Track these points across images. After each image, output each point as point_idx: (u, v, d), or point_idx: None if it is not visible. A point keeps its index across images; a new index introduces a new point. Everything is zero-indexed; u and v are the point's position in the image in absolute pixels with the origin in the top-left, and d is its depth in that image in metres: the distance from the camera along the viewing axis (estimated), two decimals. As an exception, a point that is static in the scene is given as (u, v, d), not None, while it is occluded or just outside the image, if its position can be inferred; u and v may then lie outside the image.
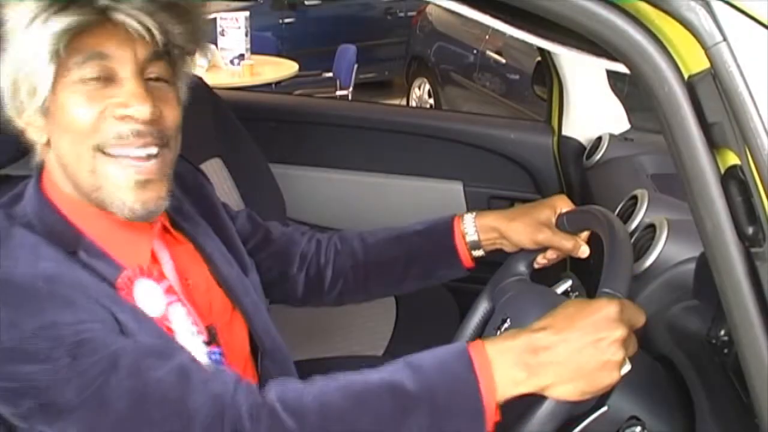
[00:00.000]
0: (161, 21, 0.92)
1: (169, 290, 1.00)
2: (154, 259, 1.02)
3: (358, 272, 1.28)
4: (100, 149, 0.92)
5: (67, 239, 0.94)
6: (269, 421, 0.83)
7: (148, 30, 0.90)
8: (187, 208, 1.12)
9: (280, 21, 7.14)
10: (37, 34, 0.89)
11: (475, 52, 5.37)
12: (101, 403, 0.83)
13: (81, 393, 0.83)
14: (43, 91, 0.91)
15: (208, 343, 1.02)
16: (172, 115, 0.96)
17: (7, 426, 0.94)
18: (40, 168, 1.00)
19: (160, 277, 1.00)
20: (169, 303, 0.99)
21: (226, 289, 1.11)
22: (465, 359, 0.84)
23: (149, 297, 0.97)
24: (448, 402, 0.82)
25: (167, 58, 0.97)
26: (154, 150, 0.94)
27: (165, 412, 0.83)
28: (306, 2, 7.24)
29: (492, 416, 0.83)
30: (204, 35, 1.04)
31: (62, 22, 0.88)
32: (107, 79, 0.92)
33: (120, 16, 0.89)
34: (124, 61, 0.92)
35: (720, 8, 0.70)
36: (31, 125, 0.96)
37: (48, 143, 0.96)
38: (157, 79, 0.96)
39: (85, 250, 0.94)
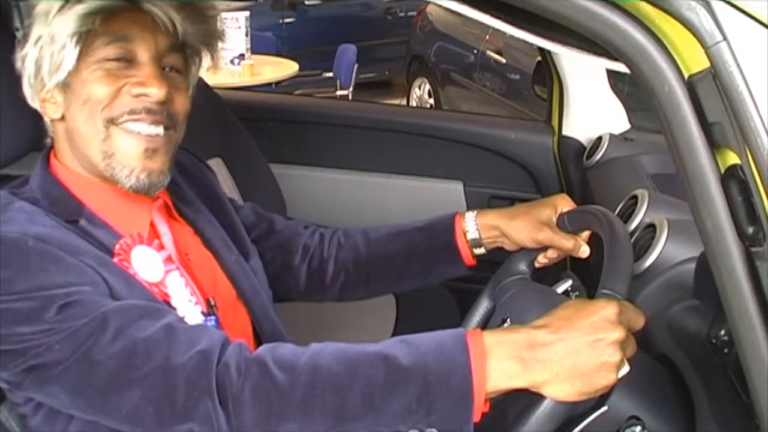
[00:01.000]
0: (181, 17, 0.98)
1: (168, 260, 1.04)
2: (154, 231, 1.06)
3: (359, 266, 1.30)
4: (114, 122, 0.98)
5: (69, 209, 0.99)
6: (259, 374, 0.84)
7: (171, 21, 0.97)
8: (190, 196, 1.15)
9: (280, 21, 7.14)
10: (66, 15, 0.94)
11: (475, 51, 5.37)
12: (90, 364, 0.85)
13: (71, 353, 0.85)
14: (67, 66, 0.96)
15: (206, 315, 1.04)
16: (181, 102, 1.03)
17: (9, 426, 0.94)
18: (49, 148, 1.05)
19: (160, 247, 1.04)
20: (168, 271, 1.02)
21: (224, 270, 1.14)
22: (461, 343, 0.85)
23: (147, 262, 1.00)
24: (439, 381, 0.83)
25: (182, 52, 1.03)
26: (161, 130, 1.00)
27: (149, 369, 0.85)
28: (306, 2, 7.24)
29: (480, 404, 0.83)
30: (215, 38, 1.08)
31: (92, 4, 0.93)
32: (128, 60, 0.98)
33: (148, 5, 0.96)
34: (145, 46, 0.98)
35: (720, 8, 0.70)
36: (48, 101, 1.01)
37: (62, 118, 1.01)
38: (171, 69, 1.02)
39: (86, 219, 0.98)
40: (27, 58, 0.99)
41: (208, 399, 0.83)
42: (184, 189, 1.16)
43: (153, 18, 0.96)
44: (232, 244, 1.18)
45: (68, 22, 0.94)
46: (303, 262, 1.31)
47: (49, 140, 1.05)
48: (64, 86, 0.98)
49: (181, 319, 0.93)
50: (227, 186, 1.90)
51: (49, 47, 0.96)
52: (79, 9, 0.94)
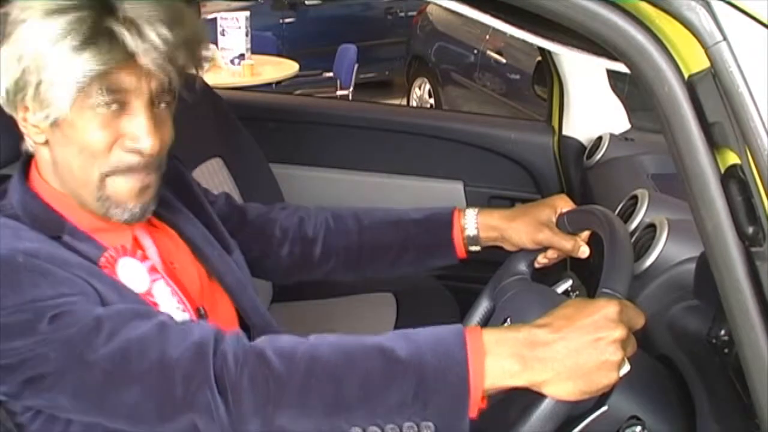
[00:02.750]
0: (175, 57, 0.94)
1: (153, 269, 1.03)
2: (137, 243, 1.05)
3: (351, 253, 1.30)
4: (109, 175, 0.97)
5: (51, 225, 0.98)
6: (257, 362, 0.85)
7: (169, 72, 0.94)
8: (166, 196, 1.14)
9: (281, 21, 7.13)
10: (63, 61, 0.89)
11: (475, 51, 5.37)
12: (87, 366, 0.85)
13: (67, 360, 0.85)
14: (59, 109, 0.92)
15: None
16: (168, 138, 1.01)
17: (7, 427, 0.94)
18: (26, 162, 1.03)
19: (144, 258, 1.03)
20: (154, 280, 1.02)
21: (208, 268, 1.13)
22: (460, 340, 0.85)
23: (132, 274, 1.00)
24: (436, 376, 0.83)
25: (173, 87, 1.00)
26: (153, 175, 1.00)
27: (146, 366, 0.85)
28: (306, 2, 7.24)
29: (477, 401, 0.83)
30: (203, 55, 1.04)
31: (93, 64, 0.89)
32: (121, 105, 0.95)
33: (148, 63, 0.92)
34: (139, 93, 0.95)
35: (720, 8, 0.70)
36: (30, 124, 0.97)
37: (46, 143, 0.98)
38: (161, 102, 0.99)
39: (69, 233, 0.98)
40: (6, 72, 0.94)
41: (207, 389, 0.84)
42: (161, 190, 1.12)
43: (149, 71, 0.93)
44: (214, 240, 1.17)
45: (67, 70, 0.89)
46: (281, 247, 1.30)
47: (29, 149, 1.01)
48: (52, 122, 0.95)
49: (171, 316, 0.94)
50: (227, 186, 1.90)
51: (35, 76, 0.91)
52: (83, 67, 0.89)
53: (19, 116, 0.98)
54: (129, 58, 0.91)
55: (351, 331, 1.99)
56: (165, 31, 0.92)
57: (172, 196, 1.15)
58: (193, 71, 1.04)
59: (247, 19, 5.05)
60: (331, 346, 0.87)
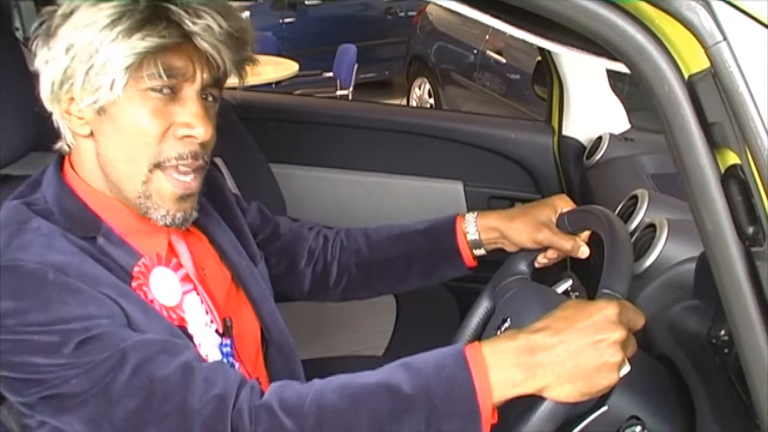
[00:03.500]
0: (227, 45, 0.96)
1: (186, 279, 1.03)
2: (172, 249, 1.05)
3: (361, 269, 1.30)
4: (159, 166, 0.96)
5: (87, 224, 0.96)
6: (268, 421, 0.85)
7: (222, 57, 0.95)
8: (201, 201, 1.13)
9: (281, 21, 7.15)
10: (116, 42, 0.90)
11: (475, 51, 5.37)
12: (108, 400, 0.85)
13: (89, 388, 0.84)
14: (110, 94, 0.92)
15: (222, 335, 1.04)
16: (214, 135, 1.01)
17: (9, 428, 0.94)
18: (62, 155, 1.02)
19: (177, 266, 1.03)
20: (185, 292, 1.01)
21: (235, 276, 1.13)
22: (461, 361, 0.85)
23: (165, 285, 0.99)
24: (444, 403, 0.83)
25: (220, 83, 1.02)
26: (199, 175, 1.00)
27: (167, 410, 0.85)
28: (306, 2, 7.25)
29: (488, 417, 0.83)
30: (248, 63, 1.07)
31: (148, 41, 0.89)
32: (172, 93, 0.95)
33: (204, 44, 0.93)
34: (191, 81, 0.96)
35: (720, 8, 0.70)
36: (74, 116, 0.96)
37: (90, 135, 0.97)
38: (207, 96, 1.00)
39: (104, 236, 0.96)
40: (53, 64, 0.93)
41: None
42: None
43: (203, 53, 0.94)
44: (242, 248, 1.17)
45: (120, 50, 0.89)
46: (308, 266, 1.31)
47: (65, 148, 1.00)
48: (100, 109, 0.94)
49: (198, 354, 0.93)
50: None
51: (85, 62, 0.91)
52: (133, 42, 0.89)
53: (61, 109, 0.96)
54: (184, 40, 0.92)
55: (351, 330, 1.99)
56: (220, 18, 0.93)
57: (204, 200, 1.14)
58: (237, 74, 1.05)
59: (247, 18, 5.05)
60: (336, 392, 0.86)
